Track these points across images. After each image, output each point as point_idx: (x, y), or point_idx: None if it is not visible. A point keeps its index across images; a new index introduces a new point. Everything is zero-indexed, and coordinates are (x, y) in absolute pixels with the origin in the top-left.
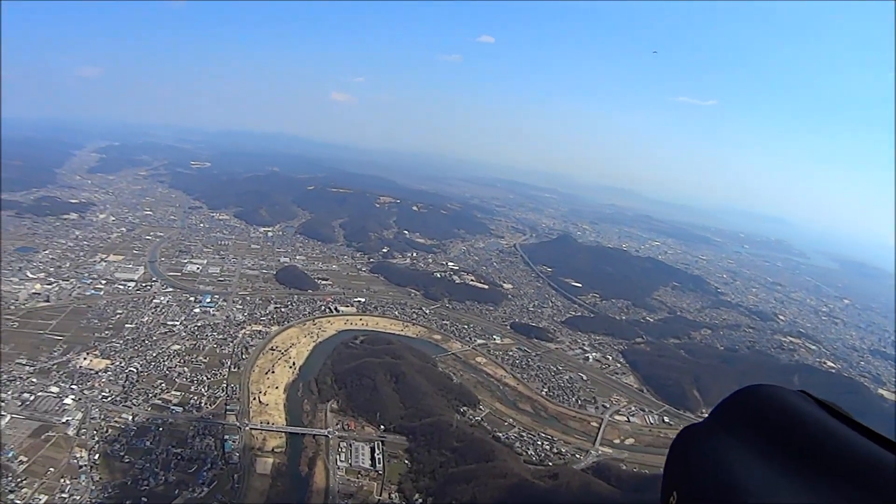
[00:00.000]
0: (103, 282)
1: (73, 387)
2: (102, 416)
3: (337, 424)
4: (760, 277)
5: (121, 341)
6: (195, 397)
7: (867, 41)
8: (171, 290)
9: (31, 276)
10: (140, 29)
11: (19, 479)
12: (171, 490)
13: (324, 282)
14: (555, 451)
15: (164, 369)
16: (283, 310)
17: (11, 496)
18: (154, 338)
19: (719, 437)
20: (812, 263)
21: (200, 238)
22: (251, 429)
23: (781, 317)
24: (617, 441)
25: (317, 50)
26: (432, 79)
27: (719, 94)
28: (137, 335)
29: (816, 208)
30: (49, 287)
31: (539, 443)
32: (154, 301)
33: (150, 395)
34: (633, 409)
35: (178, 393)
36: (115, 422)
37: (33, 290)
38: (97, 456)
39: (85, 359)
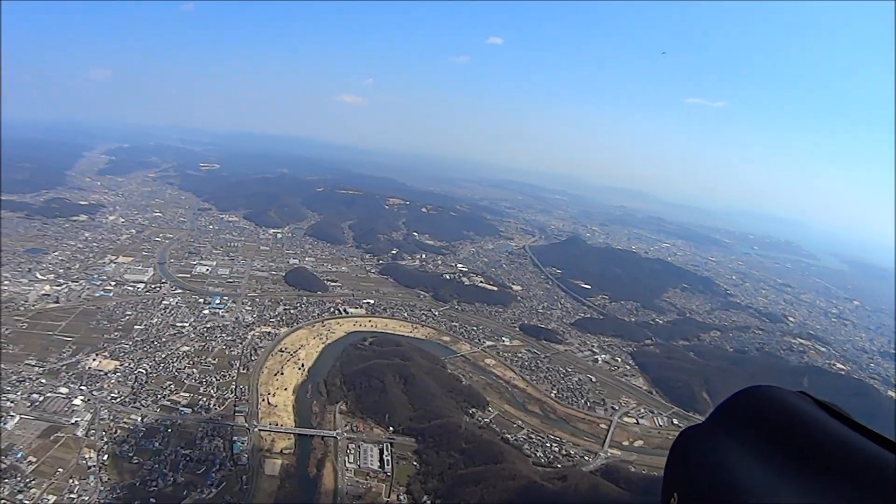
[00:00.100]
0: (113, 283)
1: (82, 388)
2: (111, 417)
3: (346, 426)
4: (770, 279)
5: (130, 342)
6: (204, 398)
7: (876, 41)
8: (180, 291)
9: (40, 277)
10: (149, 32)
11: (28, 480)
12: (180, 491)
13: (333, 283)
14: (563, 452)
15: (173, 370)
16: (292, 311)
17: (20, 496)
18: (163, 339)
19: (719, 439)
20: (821, 265)
21: (210, 240)
22: (260, 430)
23: (791, 318)
24: (626, 443)
25: (326, 52)
26: (441, 80)
27: (728, 95)
28: (146, 336)
29: (826, 209)
30: (58, 288)
31: (548, 445)
32: (163, 302)
33: (159, 396)
34: (642, 411)
35: (187, 394)
36: (124, 423)
37: (43, 292)
38: (106, 457)
39: (94, 360)
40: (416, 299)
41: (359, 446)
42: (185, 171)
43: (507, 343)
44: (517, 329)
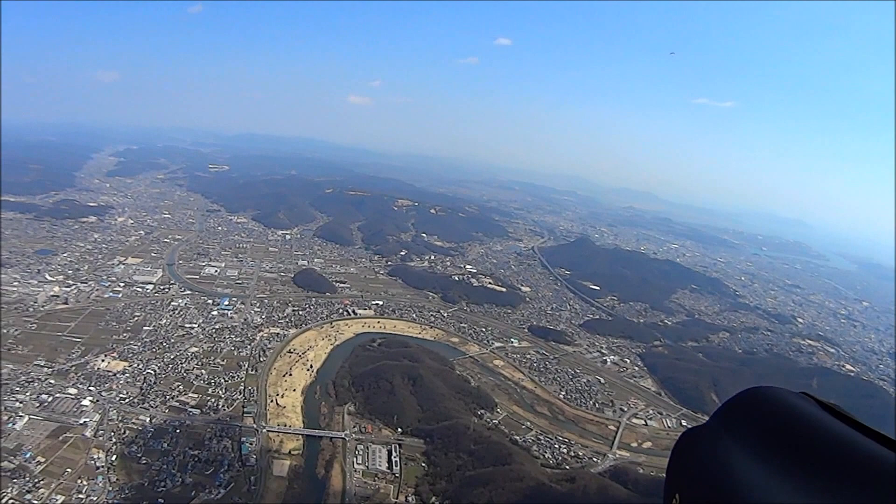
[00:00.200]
0: (121, 284)
1: (90, 388)
2: (120, 418)
3: (354, 427)
4: (779, 280)
5: (139, 343)
6: (213, 399)
7: (881, 41)
8: (189, 292)
9: (49, 278)
10: (157, 33)
11: (37, 480)
12: (188, 492)
13: (341, 285)
14: (572, 454)
15: (182, 371)
16: (300, 312)
17: (29, 496)
18: (172, 340)
19: (721, 440)
20: (830, 265)
21: (218, 241)
22: (268, 431)
23: (800, 319)
24: (634, 445)
25: (333, 53)
26: (448, 81)
27: (736, 96)
28: (155, 337)
29: (835, 209)
30: (67, 289)
31: (556, 446)
32: (172, 303)
33: (168, 397)
34: (650, 412)
35: (196, 395)
36: (133, 423)
37: (52, 293)
38: (114, 457)
39: (103, 361)
40: (424, 300)
41: (367, 447)
42: (193, 173)
43: (515, 344)
44: (526, 330)
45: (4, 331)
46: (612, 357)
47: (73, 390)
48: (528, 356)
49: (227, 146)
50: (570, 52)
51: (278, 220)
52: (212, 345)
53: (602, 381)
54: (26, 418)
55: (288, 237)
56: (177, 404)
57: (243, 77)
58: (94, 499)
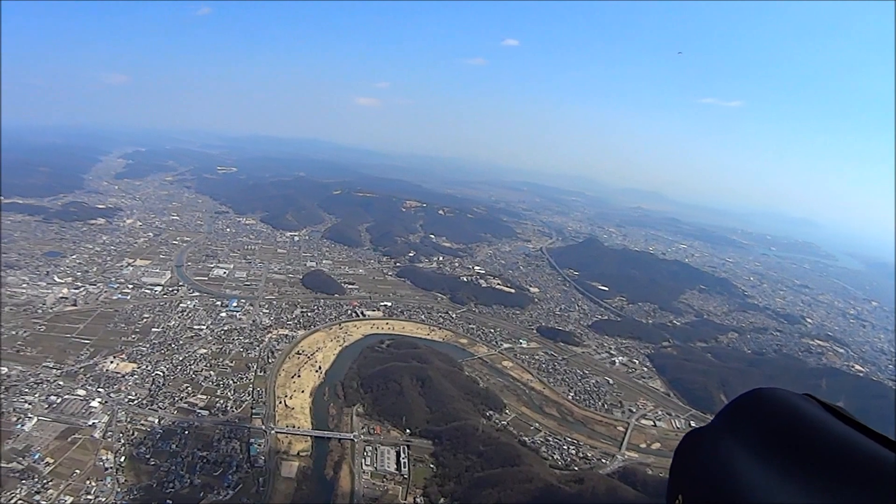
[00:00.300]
0: (130, 286)
1: (99, 390)
2: (128, 419)
3: (363, 428)
4: (787, 280)
5: (147, 345)
6: (221, 401)
7: (891, 40)
8: (197, 294)
9: (58, 280)
10: (166, 35)
11: (45, 481)
12: (197, 493)
13: (350, 286)
14: (581, 455)
15: (191, 373)
16: (309, 314)
17: (38, 497)
18: (180, 342)
19: (724, 441)
20: (839, 265)
21: (227, 243)
22: (277, 432)
23: (809, 320)
24: (643, 445)
25: (341, 55)
26: (456, 82)
27: (744, 95)
28: (164, 339)
29: (844, 209)
30: (76, 291)
31: (565, 447)
32: (181, 305)
33: (177, 398)
34: (659, 413)
35: (204, 396)
36: (141, 425)
37: (61, 295)
38: (123, 458)
39: (111, 362)
40: (433, 302)
41: (376, 449)
42: (201, 175)
43: (524, 345)
44: (534, 331)
45: (13, 332)
46: (620, 358)
47: (81, 392)
48: (537, 357)
49: (234, 148)
50: (577, 53)
51: (286, 221)
52: (220, 346)
53: (611, 381)
54: (35, 420)
55: (296, 239)
56: (185, 406)
57: (251, 79)
58: (103, 500)
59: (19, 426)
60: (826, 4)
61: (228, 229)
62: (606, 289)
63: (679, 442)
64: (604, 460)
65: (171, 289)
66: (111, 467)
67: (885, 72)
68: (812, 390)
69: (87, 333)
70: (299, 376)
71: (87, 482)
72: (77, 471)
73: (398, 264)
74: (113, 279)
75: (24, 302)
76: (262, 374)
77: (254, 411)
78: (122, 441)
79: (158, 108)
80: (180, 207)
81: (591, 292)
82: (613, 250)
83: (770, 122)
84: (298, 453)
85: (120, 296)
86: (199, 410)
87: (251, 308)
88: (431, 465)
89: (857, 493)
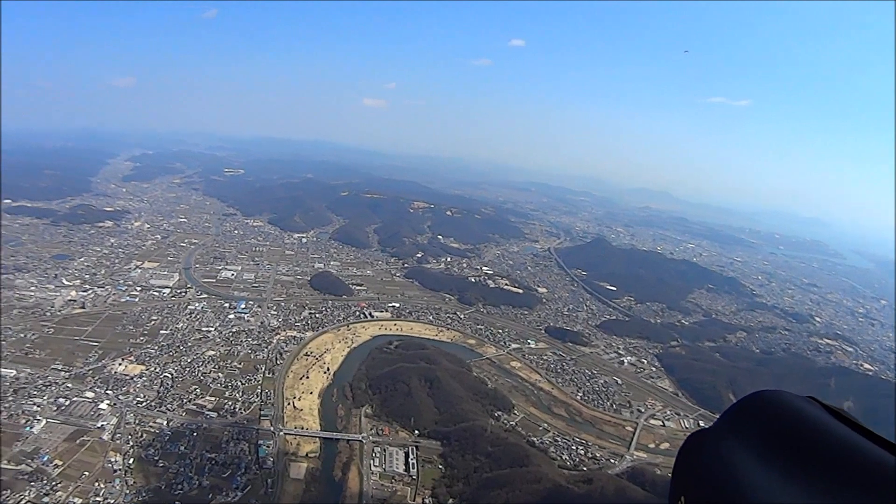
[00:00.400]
0: (138, 288)
1: (108, 392)
2: (137, 421)
3: (371, 429)
4: (796, 279)
5: (156, 347)
6: (230, 402)
7: None
8: (205, 296)
9: (66, 283)
10: (173, 38)
11: (54, 483)
12: (206, 494)
13: (358, 287)
14: (589, 455)
15: (199, 375)
16: (317, 315)
17: (46, 499)
18: (189, 343)
19: (727, 443)
20: (848, 264)
21: (235, 245)
22: (285, 434)
23: (817, 318)
24: (652, 446)
25: (348, 56)
26: (463, 83)
27: (752, 94)
28: (172, 341)
29: (853, 208)
30: (84, 294)
31: (573, 447)
32: (189, 307)
33: (185, 400)
34: (668, 413)
35: (213, 398)
36: (150, 427)
37: (69, 297)
38: (132, 460)
39: (120, 364)
40: (441, 302)
41: (384, 450)
42: (209, 177)
43: (532, 345)
44: (543, 331)
45: (22, 335)
46: (629, 358)
47: (90, 394)
48: (545, 357)
49: (241, 150)
50: (583, 53)
51: (294, 223)
52: (229, 348)
53: (619, 381)
54: (44, 422)
55: (304, 240)
56: (194, 407)
57: (257, 81)
58: (112, 502)
59: (28, 428)
60: (836, 4)
61: (236, 231)
62: (614, 289)
63: (682, 443)
64: (612, 460)
65: (179, 291)
66: (120, 469)
67: (888, 71)
68: (821, 389)
69: (96, 336)
70: (308, 378)
71: (96, 484)
72: (86, 473)
73: (406, 265)
74: (121, 281)
75: (32, 305)
76: (270, 375)
77: (262, 413)
78: (131, 443)
79: (165, 111)
80: (188, 210)
81: (599, 292)
82: (621, 250)
83: (779, 122)
84: (307, 455)
85: (128, 298)
86: (207, 412)
87: (259, 310)
88: (440, 466)
89: (858, 496)
